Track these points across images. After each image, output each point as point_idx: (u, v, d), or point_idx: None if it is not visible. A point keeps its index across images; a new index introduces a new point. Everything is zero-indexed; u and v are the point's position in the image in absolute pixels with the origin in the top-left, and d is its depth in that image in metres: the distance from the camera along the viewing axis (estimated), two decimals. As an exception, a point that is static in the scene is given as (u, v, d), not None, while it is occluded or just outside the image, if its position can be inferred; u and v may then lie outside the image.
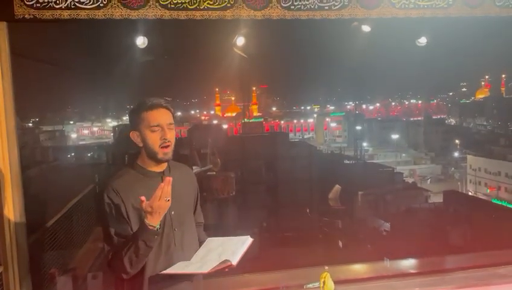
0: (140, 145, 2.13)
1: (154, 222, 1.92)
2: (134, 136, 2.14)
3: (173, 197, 2.05)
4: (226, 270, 1.98)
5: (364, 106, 72.95)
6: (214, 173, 11.32)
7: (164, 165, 2.17)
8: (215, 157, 11.65)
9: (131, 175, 2.12)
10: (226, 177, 14.79)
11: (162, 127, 2.10)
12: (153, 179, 2.11)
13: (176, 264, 2.09)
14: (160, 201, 1.90)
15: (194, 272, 2.04)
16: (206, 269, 1.97)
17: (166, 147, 2.10)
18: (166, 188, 1.92)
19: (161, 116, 2.11)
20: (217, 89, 70.17)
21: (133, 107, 2.19)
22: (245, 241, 2.10)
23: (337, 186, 17.41)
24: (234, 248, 2.05)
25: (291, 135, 49.73)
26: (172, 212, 2.13)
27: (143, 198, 1.90)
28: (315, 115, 66.42)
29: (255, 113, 65.15)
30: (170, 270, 2.05)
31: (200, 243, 2.26)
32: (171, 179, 1.95)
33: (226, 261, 1.95)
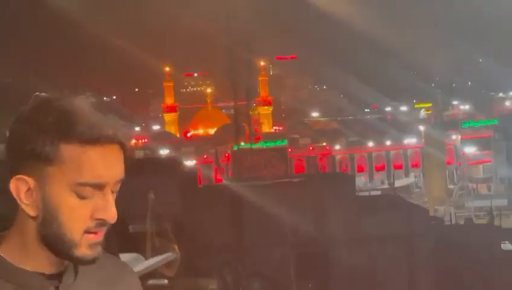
0: (32, 214, 0.89)
1: None
2: (21, 191, 0.89)
3: None
4: None
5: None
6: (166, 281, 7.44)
7: (65, 263, 0.94)
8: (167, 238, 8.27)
9: None
10: None
11: (104, 191, 0.90)
12: None
13: None
14: None
15: None
16: None
17: (96, 233, 0.91)
18: None
19: (112, 166, 0.91)
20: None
21: (31, 121, 0.89)
22: None
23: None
24: None
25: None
26: None
27: None
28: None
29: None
30: None
31: None
32: None
33: None
